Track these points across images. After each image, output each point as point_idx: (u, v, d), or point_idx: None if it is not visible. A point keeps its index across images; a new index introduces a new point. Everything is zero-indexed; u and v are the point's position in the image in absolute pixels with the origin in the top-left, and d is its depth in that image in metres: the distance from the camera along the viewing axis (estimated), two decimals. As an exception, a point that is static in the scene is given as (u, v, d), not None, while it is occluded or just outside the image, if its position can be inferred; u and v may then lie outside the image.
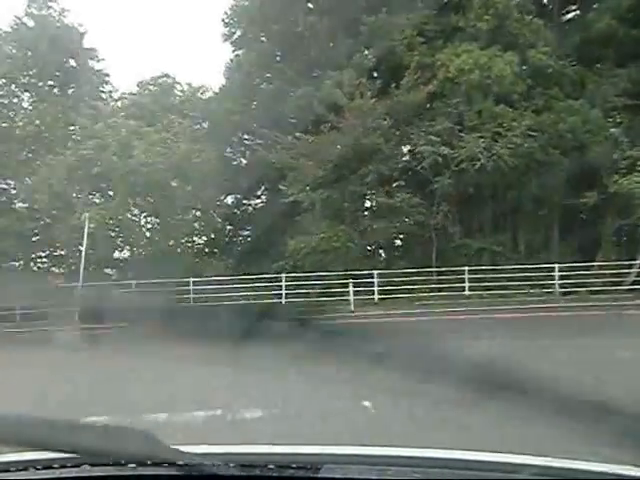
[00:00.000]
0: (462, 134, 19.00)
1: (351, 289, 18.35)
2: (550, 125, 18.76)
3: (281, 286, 20.80)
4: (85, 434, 1.23)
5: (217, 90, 26.05)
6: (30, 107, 23.23)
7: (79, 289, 19.12)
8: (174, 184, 21.24)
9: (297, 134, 20.64)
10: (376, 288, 20.46)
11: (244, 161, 26.62)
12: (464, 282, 20.29)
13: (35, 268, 21.61)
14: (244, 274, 21.66)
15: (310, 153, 20.67)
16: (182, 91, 26.26)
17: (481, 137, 18.25)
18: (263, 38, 25.26)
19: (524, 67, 19.10)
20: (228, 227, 26.24)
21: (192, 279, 20.81)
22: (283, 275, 20.79)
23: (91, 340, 12.56)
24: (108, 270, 23.23)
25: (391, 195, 19.97)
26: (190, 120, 23.21)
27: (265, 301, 20.87)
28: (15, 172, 21.07)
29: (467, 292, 20.28)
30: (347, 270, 20.39)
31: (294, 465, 1.10)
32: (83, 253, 18.69)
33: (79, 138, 20.47)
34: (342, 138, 20.10)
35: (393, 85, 19.76)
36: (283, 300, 20.70)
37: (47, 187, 19.78)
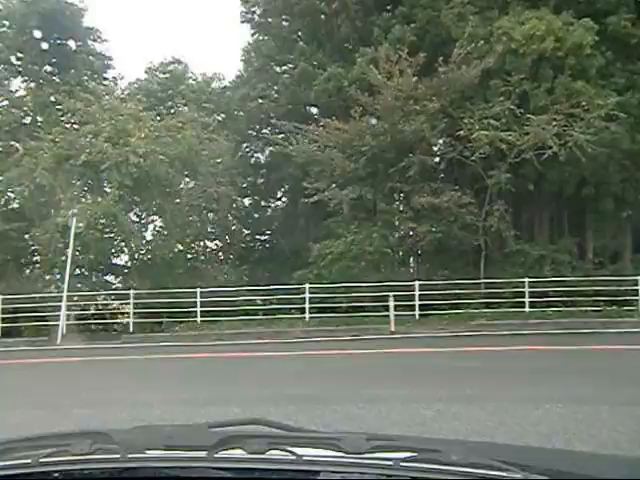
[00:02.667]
0: (525, 117, 14.82)
1: (391, 304, 14.24)
2: (636, 107, 14.56)
3: (304, 298, 16.75)
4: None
5: (233, 78, 22.19)
6: (21, 92, 19.54)
7: (64, 298, 15.28)
8: (180, 179, 17.26)
9: (325, 120, 16.62)
10: (417, 302, 16.33)
11: (262, 157, 22.72)
12: (524, 296, 16.11)
13: (17, 274, 17.77)
14: (261, 284, 17.75)
15: (339, 143, 16.66)
16: (194, 79, 22.43)
17: (553, 119, 14.07)
18: (284, 17, 21.39)
19: (600, 37, 14.92)
20: (244, 231, 22.26)
21: (199, 289, 16.86)
22: (306, 285, 16.75)
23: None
24: (108, 277, 19.39)
25: (436, 193, 15.84)
26: (202, 110, 19.26)
27: (285, 316, 16.86)
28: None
29: (527, 309, 16.09)
30: (382, 280, 16.35)
31: (292, 469, 1.04)
32: (69, 257, 14.86)
33: (70, 123, 16.64)
34: (377, 125, 16.07)
35: (440, 60, 15.66)
36: (307, 315, 16.65)
37: (30, 180, 15.97)
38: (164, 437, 1.18)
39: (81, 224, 15.05)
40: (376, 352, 10.19)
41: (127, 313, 17.38)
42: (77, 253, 16.45)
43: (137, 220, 18.12)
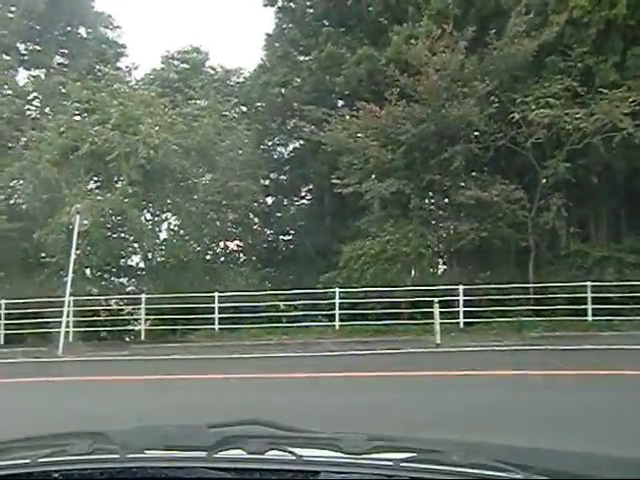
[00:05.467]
0: (589, 96, 12.33)
1: (436, 311, 11.85)
2: None
3: (333, 304, 14.45)
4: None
5: (255, 68, 19.97)
6: (27, 80, 17.56)
7: (66, 304, 13.18)
8: (197, 173, 15.06)
9: (359, 104, 14.30)
10: (461, 309, 13.92)
11: (285, 152, 20.52)
12: (584, 303, 13.58)
13: (23, 277, 15.73)
14: (284, 288, 15.52)
15: (374, 131, 14.33)
16: (214, 70, 20.28)
17: (626, 97, 11.58)
18: (309, 2, 19.17)
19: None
20: (266, 230, 20.01)
21: (217, 294, 14.67)
22: (336, 290, 14.44)
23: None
24: (122, 279, 17.28)
25: (483, 186, 13.41)
26: (221, 102, 17.02)
27: (313, 323, 14.56)
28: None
29: (590, 317, 13.56)
30: (418, 284, 14.00)
31: (292, 469, 1.01)
32: (72, 257, 12.76)
33: (77, 112, 14.56)
34: (417, 109, 13.72)
35: (491, 35, 13.25)
36: (337, 322, 14.33)
37: (34, 175, 13.92)
38: (163, 437, 1.14)
39: (86, 221, 12.91)
40: (432, 375, 7.79)
41: (139, 319, 15.25)
42: (85, 253, 14.38)
43: (150, 218, 15.98)
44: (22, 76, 17.82)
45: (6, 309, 15.40)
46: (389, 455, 1.05)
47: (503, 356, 9.68)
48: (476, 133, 13.52)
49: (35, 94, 16.99)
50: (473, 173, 14.00)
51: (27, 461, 1.06)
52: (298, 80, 17.59)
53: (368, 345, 11.65)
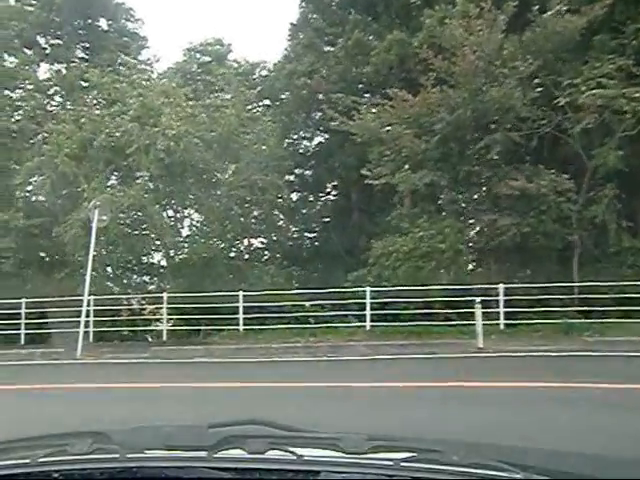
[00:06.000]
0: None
1: (478, 312, 10.82)
2: None
3: (364, 304, 13.51)
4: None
5: (279, 59, 19.13)
6: (47, 74, 17.01)
7: (84, 303, 12.51)
8: (220, 166, 14.26)
9: (391, 91, 13.31)
10: (502, 309, 12.84)
11: (311, 145, 19.63)
12: None
13: (44, 276, 15.15)
14: (310, 286, 14.63)
15: (406, 120, 13.33)
16: (236, 62, 19.50)
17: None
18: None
19: None
20: (291, 227, 19.15)
21: (242, 292, 13.88)
22: (367, 289, 13.49)
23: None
24: (143, 278, 16.61)
25: (527, 177, 12.30)
26: (244, 95, 16.18)
27: (342, 324, 13.63)
28: (18, 155, 14.71)
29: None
30: (454, 282, 12.98)
31: (292, 469, 1.00)
32: (90, 255, 12.07)
33: (96, 104, 13.88)
34: (453, 94, 12.68)
35: (534, 11, 12.14)
36: (368, 323, 13.39)
37: (52, 169, 13.29)
38: (163, 437, 1.14)
39: (105, 217, 12.21)
40: (493, 387, 6.68)
41: (160, 319, 14.53)
42: (105, 251, 13.72)
43: (172, 214, 15.24)
44: (43, 70, 17.31)
45: (27, 308, 14.86)
46: (389, 455, 1.04)
47: (565, 363, 8.60)
48: (517, 120, 12.38)
49: (56, 88, 16.43)
50: (514, 164, 12.87)
51: (27, 461, 1.05)
52: (324, 70, 16.67)
53: (404, 349, 10.68)
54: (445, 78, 12.82)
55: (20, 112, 16.27)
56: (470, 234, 14.00)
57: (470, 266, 15.09)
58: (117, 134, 12.69)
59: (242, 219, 15.83)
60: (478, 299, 11.00)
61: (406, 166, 12.94)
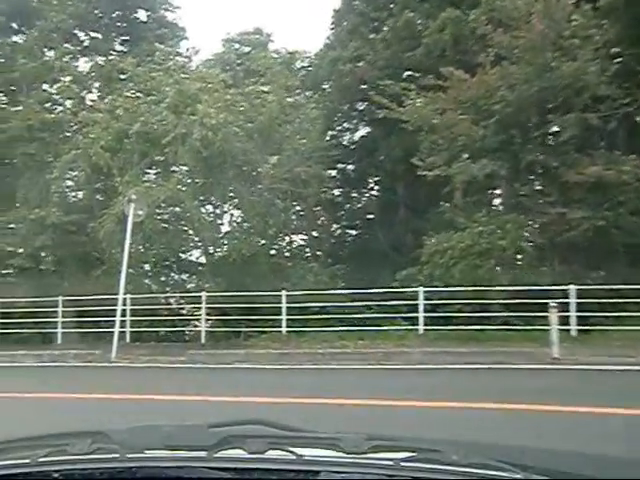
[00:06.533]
0: None
1: (553, 316, 9.50)
2: None
3: (416, 305, 12.34)
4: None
5: (321, 47, 18.07)
6: (85, 67, 16.45)
7: (119, 301, 11.78)
8: (261, 158, 13.31)
9: (445, 70, 12.07)
10: (574, 314, 11.44)
11: (355, 138, 18.52)
12: None
13: (82, 274, 14.56)
14: (355, 286, 13.53)
15: (462, 104, 12.07)
16: (277, 52, 18.55)
17: None
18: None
19: None
20: (335, 224, 18.08)
21: (285, 292, 12.92)
22: (420, 289, 12.31)
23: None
24: (182, 276, 15.83)
25: (606, 164, 10.85)
26: (285, 79, 15.19)
27: (391, 327, 12.47)
28: (56, 149, 14.15)
29: None
30: (517, 284, 11.65)
31: (292, 469, 0.99)
32: (126, 251, 11.31)
33: (132, 93, 13.14)
34: (516, 71, 11.33)
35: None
36: (420, 327, 12.21)
37: (86, 161, 12.62)
38: (164, 437, 1.13)
39: (141, 211, 11.43)
40: (602, 414, 5.31)
41: (199, 320, 13.71)
42: (140, 247, 12.97)
43: (210, 209, 14.39)
44: (81, 63, 16.78)
45: (63, 307, 14.32)
46: (389, 455, 1.03)
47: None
48: (593, 99, 10.93)
49: (94, 81, 15.86)
50: (586, 149, 11.43)
51: (27, 461, 1.04)
52: (370, 55, 15.53)
53: (466, 357, 9.44)
54: (506, 55, 11.49)
55: (58, 106, 15.79)
56: (535, 229, 12.61)
57: (533, 265, 13.72)
58: (153, 124, 11.89)
59: (283, 214, 14.84)
60: (553, 302, 9.69)
61: (465, 155, 11.66)
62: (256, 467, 0.99)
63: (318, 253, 16.37)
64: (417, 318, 12.34)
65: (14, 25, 17.09)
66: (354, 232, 18.55)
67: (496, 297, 11.88)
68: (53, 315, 14.06)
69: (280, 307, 13.09)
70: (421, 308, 12.25)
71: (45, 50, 16.53)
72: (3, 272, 16.23)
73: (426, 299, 12.17)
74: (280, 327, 13.07)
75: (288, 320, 12.94)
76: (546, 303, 10.44)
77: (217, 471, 0.98)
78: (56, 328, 14.21)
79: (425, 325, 12.14)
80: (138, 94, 13.08)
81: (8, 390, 7.31)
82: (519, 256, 12.74)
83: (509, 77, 11.34)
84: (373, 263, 16.91)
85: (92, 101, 15.18)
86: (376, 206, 18.72)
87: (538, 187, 13.18)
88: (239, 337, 13.22)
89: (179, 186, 12.46)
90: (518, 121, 11.88)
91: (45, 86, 16.37)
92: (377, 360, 9.48)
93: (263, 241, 14.34)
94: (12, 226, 14.96)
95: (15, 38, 17.05)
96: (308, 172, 13.83)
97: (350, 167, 18.56)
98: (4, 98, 16.42)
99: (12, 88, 16.20)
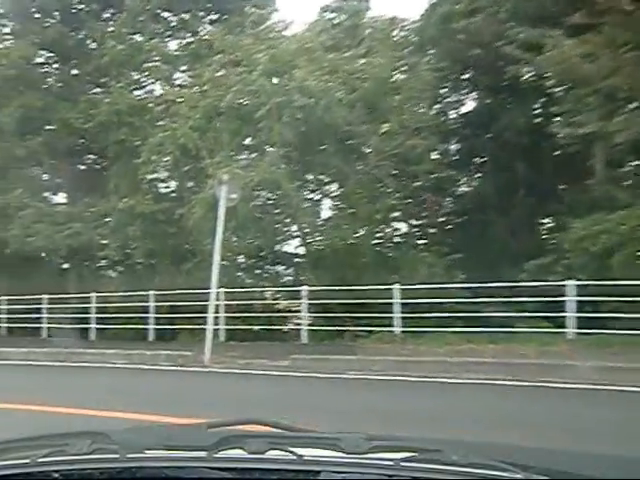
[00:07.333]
0: None
1: None
2: None
3: (562, 303, 9.92)
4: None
5: (427, 7, 15.73)
6: (176, 48, 15.33)
7: (211, 297, 10.39)
8: (365, 131, 11.38)
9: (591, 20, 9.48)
10: None
11: (468, 109, 16.08)
12: None
13: (173, 266, 13.44)
14: (475, 279, 11.28)
15: (621, 45, 9.40)
16: (376, 19, 16.46)
17: None
18: None
19: None
20: (447, 207, 15.77)
21: (397, 286, 11.03)
22: (569, 283, 9.88)
23: None
24: (276, 268, 14.33)
25: None
26: (388, 45, 13.13)
27: (533, 329, 10.10)
28: (145, 133, 13.07)
29: None
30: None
31: (292, 469, 0.98)
32: (218, 240, 9.86)
33: (220, 66, 11.68)
34: None
35: None
36: (570, 329, 9.76)
37: (173, 143, 11.34)
38: (163, 437, 1.12)
39: (234, 195, 9.92)
40: None
41: (299, 317, 12.10)
42: (233, 237, 11.53)
43: (310, 192, 12.67)
44: (169, 45, 15.69)
45: (156, 301, 13.32)
46: (389, 455, 1.02)
47: None
48: None
49: (182, 61, 14.71)
50: None
51: (27, 461, 1.03)
52: (491, 7, 13.06)
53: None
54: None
55: (147, 88, 14.86)
56: None
57: None
58: (244, 98, 10.34)
59: (390, 197, 12.82)
60: None
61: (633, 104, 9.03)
62: (256, 467, 0.98)
63: (432, 241, 14.20)
64: (564, 319, 9.91)
65: (103, 11, 16.43)
66: (469, 216, 16.14)
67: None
68: (144, 310, 13.09)
69: (392, 303, 11.18)
70: (571, 306, 9.80)
71: (133, 35, 15.70)
72: (97, 265, 15.64)
73: (580, 294, 9.71)
74: (392, 326, 11.16)
75: (403, 318, 11.00)
76: None
77: (217, 471, 0.97)
78: (148, 324, 13.24)
79: (578, 327, 9.69)
80: (227, 65, 11.57)
81: (87, 404, 5.97)
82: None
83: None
84: (492, 252, 14.49)
85: (180, 79, 14.00)
86: (492, 187, 16.16)
87: None
88: (343, 337, 11.47)
89: (274, 167, 10.82)
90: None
91: (134, 72, 15.49)
92: (531, 375, 7.26)
93: (369, 228, 12.43)
94: (106, 219, 14.21)
95: (104, 24, 16.34)
96: (420, 146, 11.71)
97: (461, 143, 16.19)
98: (94, 84, 15.77)
99: (101, 74, 15.47)
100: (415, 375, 7.93)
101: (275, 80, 10.30)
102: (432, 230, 15.10)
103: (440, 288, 11.23)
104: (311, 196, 12.77)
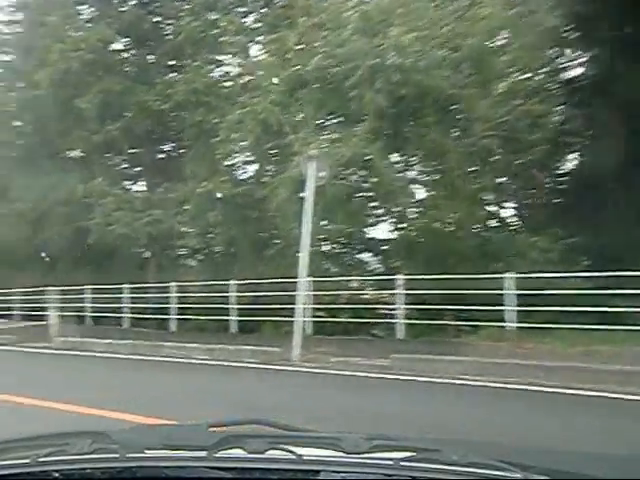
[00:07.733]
0: None
1: None
2: None
3: None
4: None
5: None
6: (251, 23, 14.36)
7: (299, 287, 9.36)
8: (468, 97, 9.83)
9: None
10: None
11: (580, 72, 13.98)
12: None
13: (255, 254, 12.55)
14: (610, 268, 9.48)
15: None
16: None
17: None
18: None
19: None
20: (558, 185, 13.85)
21: (509, 275, 9.54)
22: None
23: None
24: (366, 254, 13.13)
25: None
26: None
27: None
28: (223, 112, 12.19)
29: None
30: None
31: (292, 469, 0.99)
32: (307, 222, 8.80)
33: (301, 33, 10.49)
34: None
35: None
36: None
37: (255, 121, 10.33)
38: (163, 437, 1.13)
39: (323, 173, 8.78)
40: None
41: (393, 310, 10.83)
42: (320, 221, 10.41)
43: (404, 169, 11.28)
44: (246, 20, 14.75)
45: (238, 291, 12.52)
46: (389, 455, 1.02)
47: None
48: None
49: (261, 32, 13.74)
50: None
51: (27, 461, 1.03)
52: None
53: None
54: None
55: (223, 66, 14.06)
56: None
57: None
58: (331, 61, 9.12)
59: (496, 173, 11.19)
60: None
61: None
62: (256, 467, 0.99)
63: (541, 223, 12.40)
64: None
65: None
66: (587, 193, 14.09)
67: None
68: (226, 301, 12.33)
69: (502, 294, 9.67)
70: None
71: (209, 13, 14.93)
72: (177, 254, 15.14)
73: None
74: (503, 321, 9.65)
75: (516, 312, 9.47)
76: None
77: (217, 471, 0.97)
78: (229, 315, 12.48)
79: None
80: (310, 30, 10.38)
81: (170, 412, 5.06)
82: None
83: None
84: (615, 237, 12.55)
85: (258, 54, 13.03)
86: (612, 161, 14.03)
87: None
88: (446, 332, 10.09)
89: (365, 142, 9.54)
90: None
91: (209, 49, 14.71)
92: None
93: (471, 209, 10.90)
94: (185, 205, 13.59)
95: (179, 4, 15.69)
96: (533, 112, 10.01)
97: (576, 110, 14.12)
98: (169, 66, 15.18)
99: (177, 54, 14.83)
100: (549, 385, 6.46)
101: (367, 40, 8.96)
102: (542, 211, 13.27)
103: (560, 277, 9.61)
104: (404, 173, 11.37)
